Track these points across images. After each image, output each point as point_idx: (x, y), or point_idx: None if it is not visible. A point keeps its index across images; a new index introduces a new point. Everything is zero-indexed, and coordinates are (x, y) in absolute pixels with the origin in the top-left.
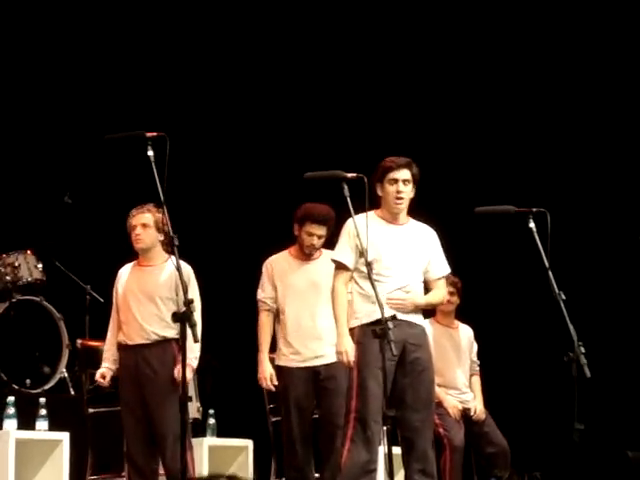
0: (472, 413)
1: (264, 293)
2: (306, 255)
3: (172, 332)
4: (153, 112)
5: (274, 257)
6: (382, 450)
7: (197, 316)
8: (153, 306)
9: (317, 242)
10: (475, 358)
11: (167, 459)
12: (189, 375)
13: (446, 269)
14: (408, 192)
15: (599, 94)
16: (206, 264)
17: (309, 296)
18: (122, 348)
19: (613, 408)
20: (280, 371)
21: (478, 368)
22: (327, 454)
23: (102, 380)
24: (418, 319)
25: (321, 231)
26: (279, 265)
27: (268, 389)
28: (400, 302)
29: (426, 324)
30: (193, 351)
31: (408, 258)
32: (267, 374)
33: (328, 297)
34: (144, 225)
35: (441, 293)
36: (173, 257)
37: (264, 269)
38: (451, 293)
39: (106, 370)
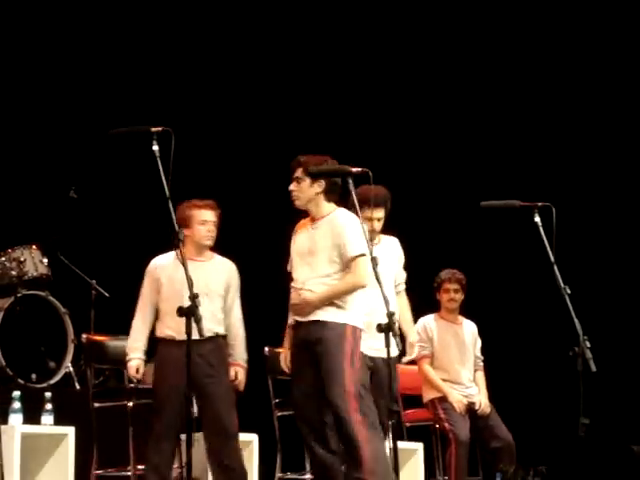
0: (477, 407)
1: None
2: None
3: (222, 329)
4: (158, 107)
5: None
6: (387, 445)
7: (237, 316)
8: (207, 301)
9: (378, 226)
10: (479, 354)
11: (225, 455)
12: (242, 377)
13: (356, 250)
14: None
15: (605, 89)
16: None
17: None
18: (165, 342)
19: (618, 402)
20: None
21: (482, 364)
22: None
23: (136, 374)
24: (325, 316)
25: (380, 214)
26: None
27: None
28: (295, 304)
29: (430, 320)
30: (244, 353)
31: (308, 256)
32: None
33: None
34: (215, 223)
35: (350, 276)
36: (216, 255)
37: None
38: (455, 290)
39: (140, 362)
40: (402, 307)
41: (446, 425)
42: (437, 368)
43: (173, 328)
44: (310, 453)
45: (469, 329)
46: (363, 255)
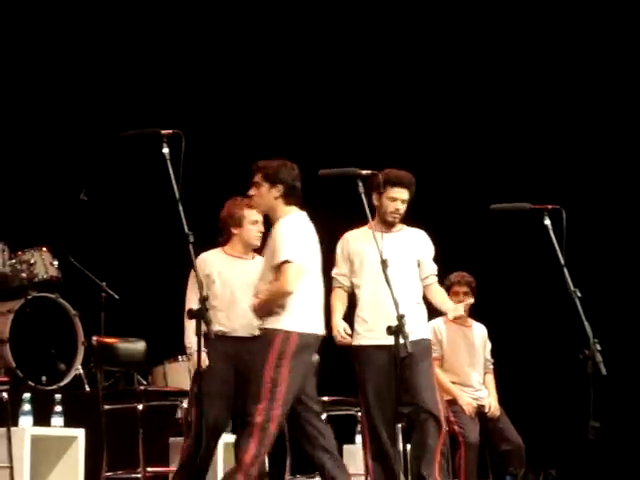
0: (487, 410)
1: (337, 269)
2: (388, 225)
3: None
4: (168, 110)
5: (351, 232)
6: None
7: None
8: (248, 300)
9: (402, 207)
10: (489, 356)
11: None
12: None
13: (282, 256)
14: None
15: (615, 92)
16: None
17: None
18: (216, 337)
19: (629, 406)
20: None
21: (492, 366)
22: None
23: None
24: (269, 323)
25: (405, 195)
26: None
27: (343, 343)
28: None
29: (440, 323)
30: None
31: (264, 263)
32: (339, 327)
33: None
34: (262, 223)
35: (275, 283)
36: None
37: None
38: (465, 293)
39: (205, 355)
40: (435, 292)
41: (456, 428)
42: (447, 371)
43: (225, 324)
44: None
45: (479, 332)
46: (288, 262)
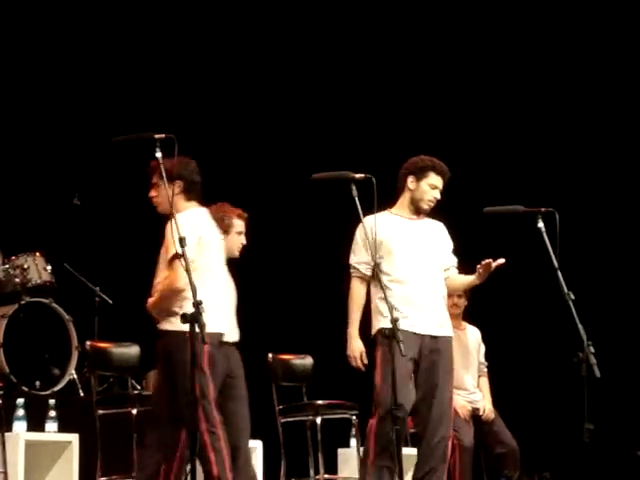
0: (481, 413)
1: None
2: (416, 212)
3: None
4: (161, 114)
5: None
6: None
7: None
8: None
9: (438, 197)
10: (483, 360)
11: (242, 462)
12: None
13: (173, 250)
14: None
15: (608, 94)
16: None
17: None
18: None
19: (623, 408)
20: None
21: (486, 370)
22: None
23: None
24: (168, 324)
25: (441, 185)
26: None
27: (357, 368)
28: None
29: None
30: None
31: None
32: (357, 352)
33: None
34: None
35: (163, 280)
36: None
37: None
38: (459, 296)
39: None
40: (456, 277)
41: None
42: None
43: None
44: None
45: (473, 335)
46: (176, 257)
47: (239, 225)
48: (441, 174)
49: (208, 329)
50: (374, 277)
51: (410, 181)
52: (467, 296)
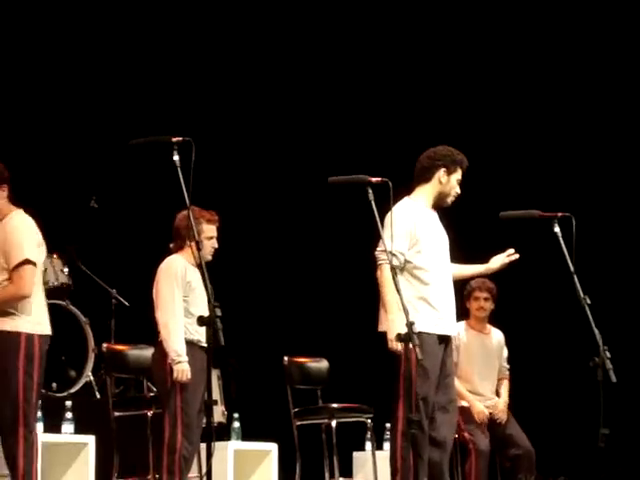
0: (492, 411)
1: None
2: (438, 204)
3: None
4: (179, 117)
5: (406, 205)
6: None
7: None
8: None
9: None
10: (505, 363)
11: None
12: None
13: (19, 256)
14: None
15: (626, 100)
16: (228, 268)
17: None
18: (196, 348)
19: (639, 413)
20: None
21: (508, 373)
22: None
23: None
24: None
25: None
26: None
27: (395, 351)
28: None
29: (460, 328)
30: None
31: None
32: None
33: None
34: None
35: (11, 286)
36: None
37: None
38: (485, 298)
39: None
40: (462, 268)
41: (466, 435)
42: (459, 377)
43: (203, 334)
44: None
45: (496, 338)
46: (29, 262)
47: (209, 230)
48: (463, 170)
49: (42, 332)
50: (403, 270)
51: (442, 174)
52: (494, 300)
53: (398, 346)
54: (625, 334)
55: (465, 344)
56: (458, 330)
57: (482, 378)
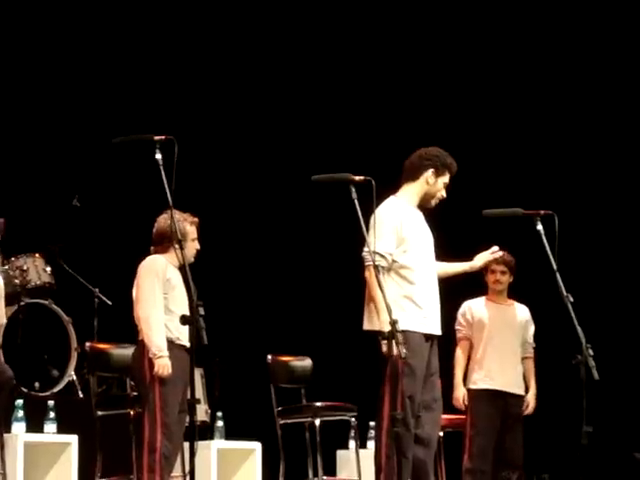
0: (524, 408)
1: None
2: (422, 205)
3: None
4: (161, 115)
5: (392, 203)
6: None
7: None
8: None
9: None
10: (531, 340)
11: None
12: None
13: None
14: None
15: (607, 97)
16: (212, 267)
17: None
18: (175, 346)
19: (621, 410)
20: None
21: (532, 351)
22: None
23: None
24: None
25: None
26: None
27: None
28: None
29: (480, 303)
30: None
31: None
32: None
33: None
34: None
35: None
36: None
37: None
38: (502, 272)
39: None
40: (447, 267)
41: (469, 417)
42: (472, 360)
43: (182, 332)
44: None
45: (521, 311)
46: None
47: (192, 232)
48: (452, 174)
49: None
50: (389, 270)
51: (430, 174)
52: (512, 273)
53: (402, 353)
54: (608, 332)
55: (481, 319)
56: (470, 305)
57: (502, 353)
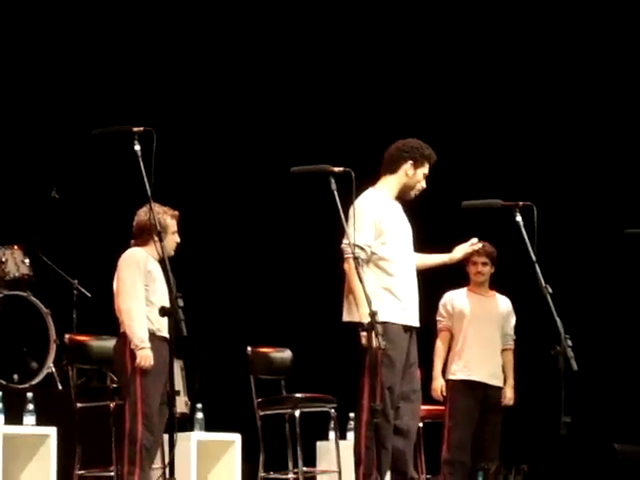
0: (502, 399)
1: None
2: (401, 196)
3: None
4: (140, 107)
5: (370, 195)
6: None
7: None
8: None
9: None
10: (511, 331)
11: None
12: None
13: None
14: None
15: (585, 88)
16: (192, 259)
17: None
18: (156, 338)
19: (600, 401)
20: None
21: (512, 343)
22: None
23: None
24: None
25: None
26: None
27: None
28: None
29: (462, 294)
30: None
31: None
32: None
33: None
34: None
35: None
36: None
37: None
38: (484, 263)
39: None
40: (426, 259)
41: (448, 408)
42: (452, 351)
43: (163, 324)
44: None
45: (502, 302)
46: None
47: (172, 225)
48: (431, 165)
49: None
50: (368, 262)
51: (409, 166)
52: (493, 264)
53: (381, 345)
54: (586, 323)
55: (462, 310)
56: (451, 296)
57: (482, 344)
